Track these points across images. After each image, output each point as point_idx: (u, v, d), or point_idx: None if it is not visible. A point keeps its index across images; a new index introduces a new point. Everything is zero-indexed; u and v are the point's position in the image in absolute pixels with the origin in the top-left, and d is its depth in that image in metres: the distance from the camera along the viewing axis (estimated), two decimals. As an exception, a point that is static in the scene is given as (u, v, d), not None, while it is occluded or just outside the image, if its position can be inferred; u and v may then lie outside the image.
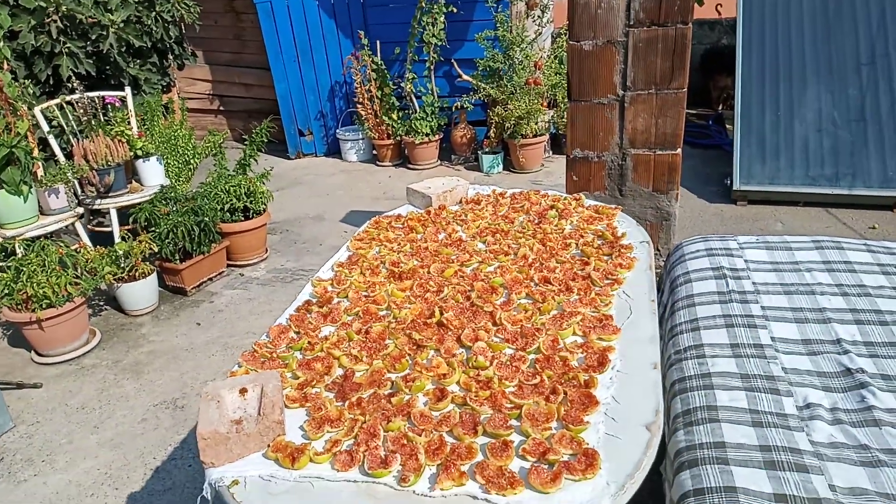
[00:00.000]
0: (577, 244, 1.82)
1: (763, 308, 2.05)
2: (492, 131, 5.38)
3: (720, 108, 6.42)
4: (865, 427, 1.49)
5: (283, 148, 6.25)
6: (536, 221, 1.99)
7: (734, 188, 4.25)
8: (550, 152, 5.69)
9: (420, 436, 1.13)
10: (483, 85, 5.35)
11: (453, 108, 5.59)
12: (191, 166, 4.30)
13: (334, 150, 6.26)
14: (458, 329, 1.45)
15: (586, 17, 2.83)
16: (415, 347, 1.41)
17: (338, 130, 6.12)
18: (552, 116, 5.50)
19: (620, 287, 1.59)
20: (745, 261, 2.35)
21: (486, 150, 5.41)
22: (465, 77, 5.64)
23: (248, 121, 6.58)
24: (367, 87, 5.66)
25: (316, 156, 6.28)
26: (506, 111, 5.20)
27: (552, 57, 5.64)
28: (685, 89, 2.81)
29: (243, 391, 1.20)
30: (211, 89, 6.63)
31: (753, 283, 2.20)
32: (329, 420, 1.19)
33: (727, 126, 5.79)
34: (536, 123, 5.21)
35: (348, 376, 1.32)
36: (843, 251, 2.32)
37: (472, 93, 5.47)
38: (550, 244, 1.81)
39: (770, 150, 4.29)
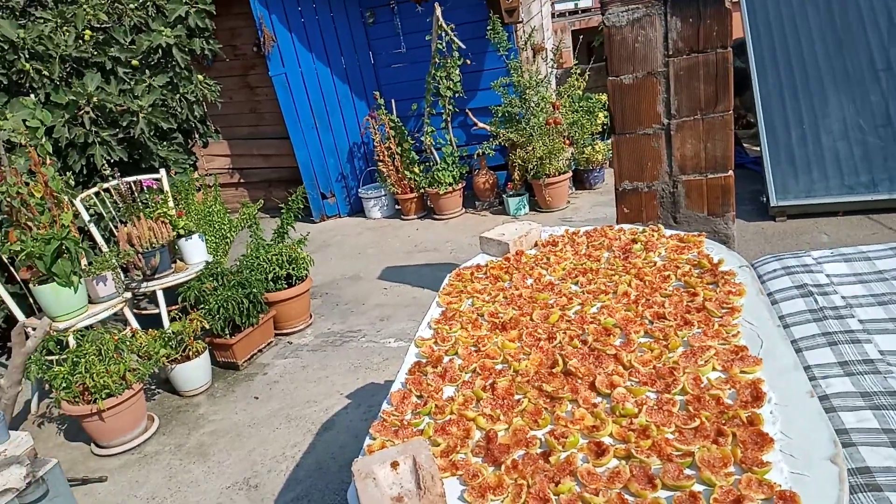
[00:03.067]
0: (675, 276, 1.77)
1: (861, 322, 1.99)
2: (515, 174, 5.41)
3: (735, 128, 6.47)
4: None
5: (306, 212, 6.28)
6: (623, 257, 1.95)
7: (771, 205, 4.23)
8: (573, 188, 5.71)
9: (597, 496, 1.06)
10: (502, 130, 5.41)
11: (474, 156, 5.64)
12: (227, 240, 4.30)
13: (357, 210, 6.29)
14: (588, 376, 1.39)
15: (624, 52, 2.87)
16: (549, 400, 1.35)
17: (360, 190, 6.17)
18: (572, 153, 5.54)
19: (739, 315, 1.54)
20: (827, 275, 2.30)
21: (511, 192, 5.43)
22: (481, 125, 5.71)
23: (269, 190, 6.65)
24: (386, 145, 5.73)
25: (340, 217, 6.31)
26: (527, 153, 5.24)
27: (565, 96, 5.72)
28: (731, 111, 2.82)
29: (395, 465, 1.14)
30: (230, 163, 6.72)
31: (843, 298, 2.14)
32: (490, 487, 1.12)
33: (745, 145, 5.82)
34: (559, 162, 5.24)
35: (491, 438, 1.26)
36: (927, 255, 2.27)
37: (490, 139, 5.53)
38: (649, 278, 1.76)
39: (801, 164, 4.29)
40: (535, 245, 2.25)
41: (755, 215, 4.38)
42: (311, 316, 4.04)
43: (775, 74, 4.56)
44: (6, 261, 3.51)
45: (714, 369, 1.36)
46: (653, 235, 2.06)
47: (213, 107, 5.29)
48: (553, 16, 8.96)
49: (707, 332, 1.47)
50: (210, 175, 6.26)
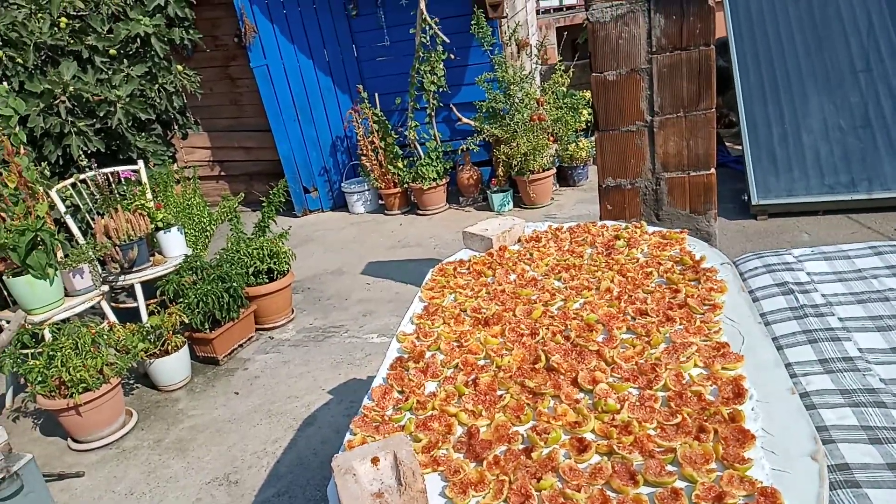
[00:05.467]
0: (657, 272, 1.77)
1: (841, 320, 2.01)
2: (499, 170, 5.40)
3: (717, 126, 6.52)
4: None
5: (288, 206, 6.22)
6: (606, 253, 1.95)
7: (753, 203, 4.27)
8: (557, 185, 5.72)
9: (579, 492, 1.05)
10: (486, 126, 5.40)
11: (458, 151, 5.62)
12: (207, 233, 4.24)
13: (340, 204, 6.24)
14: (570, 372, 1.39)
15: (608, 48, 2.87)
16: (532, 396, 1.34)
17: (343, 184, 6.12)
18: (556, 150, 5.55)
19: (721, 312, 1.55)
20: (808, 273, 2.32)
21: (495, 188, 5.43)
22: (465, 120, 5.70)
23: (250, 183, 6.57)
24: (369, 139, 5.69)
25: (322, 211, 6.26)
26: (511, 149, 5.24)
27: (549, 93, 5.71)
28: (714, 109, 2.84)
29: (375, 460, 1.12)
30: (211, 156, 6.63)
31: (823, 296, 2.16)
32: (471, 483, 1.11)
33: (726, 144, 5.87)
34: (543, 158, 5.24)
35: (473, 434, 1.25)
36: (906, 254, 2.30)
37: (475, 135, 5.52)
38: (631, 275, 1.76)
39: (782, 163, 4.33)
40: (519, 241, 2.24)
41: (737, 214, 4.42)
42: (292, 311, 4.00)
43: (757, 73, 4.60)
44: (-22, 252, 3.43)
45: (696, 366, 1.36)
46: (635, 232, 2.06)
47: (193, 98, 5.21)
48: (538, 12, 8.96)
49: (689, 329, 1.48)
50: (190, 167, 6.18)
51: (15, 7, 4.17)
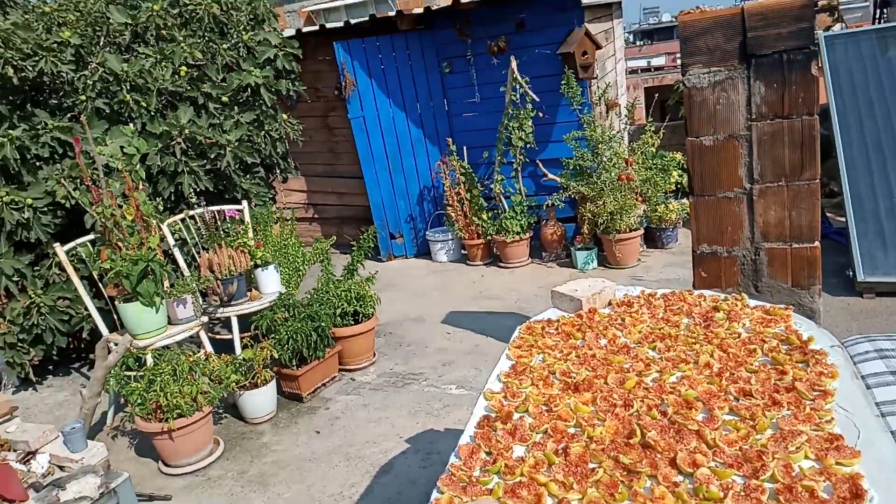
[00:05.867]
0: (761, 350, 1.70)
1: (965, 416, 1.85)
2: (584, 227, 5.37)
3: (816, 194, 6.23)
4: None
5: (374, 250, 6.40)
6: (704, 325, 1.89)
7: (858, 279, 4.02)
8: (644, 246, 5.61)
9: (681, 582, 1.01)
10: (572, 183, 5.41)
11: (543, 207, 5.65)
12: (300, 273, 4.44)
13: (424, 251, 6.38)
14: (668, 451, 1.35)
15: (705, 113, 2.84)
16: (626, 473, 1.31)
17: (427, 232, 6.27)
18: (644, 210, 5.47)
19: (833, 400, 1.46)
20: (926, 362, 2.16)
21: (580, 246, 5.39)
22: (551, 176, 5.74)
23: (341, 227, 6.84)
24: (455, 190, 5.83)
25: (406, 257, 6.41)
26: (597, 207, 5.21)
27: (638, 153, 5.68)
28: (818, 180, 2.74)
29: (468, 525, 1.13)
30: (306, 198, 6.98)
31: (944, 388, 1.99)
32: (565, 559, 1.09)
33: (828, 214, 5.59)
34: (630, 218, 5.18)
35: (566, 506, 1.23)
36: None
37: (560, 191, 5.54)
38: (732, 351, 1.70)
39: (891, 238, 4.08)
40: (609, 304, 2.22)
41: (840, 290, 4.17)
42: (374, 354, 4.09)
43: (861, 142, 4.40)
44: (96, 277, 3.73)
45: (807, 457, 1.29)
46: (736, 305, 2.00)
47: (294, 144, 5.54)
48: (626, 73, 9.00)
49: (798, 416, 1.40)
50: (287, 209, 6.52)
51: (143, 56, 4.64)
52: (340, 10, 6.61)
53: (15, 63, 4.09)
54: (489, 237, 5.80)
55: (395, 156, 6.21)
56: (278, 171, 5.35)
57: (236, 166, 4.68)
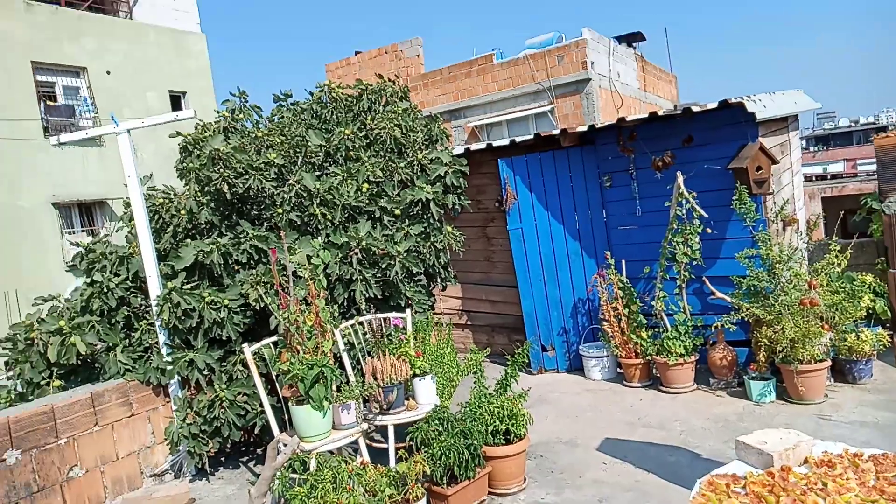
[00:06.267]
0: None
1: None
2: (760, 354, 4.90)
3: None
4: None
5: (524, 363, 6.32)
6: (935, 506, 1.59)
7: None
8: (832, 380, 4.97)
9: None
10: (745, 304, 5.02)
11: (711, 328, 5.27)
12: (454, 383, 4.48)
13: (576, 367, 6.18)
14: None
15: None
16: None
17: (581, 347, 6.09)
18: (832, 339, 4.89)
19: None
20: None
21: (754, 374, 4.91)
22: (720, 295, 5.39)
23: (492, 335, 6.89)
24: (612, 305, 5.66)
25: (557, 372, 6.24)
26: (775, 332, 4.76)
27: (821, 274, 5.17)
28: None
29: None
30: (461, 305, 7.17)
31: None
32: None
33: None
34: (815, 347, 4.65)
35: None
36: None
37: (731, 312, 5.15)
38: (981, 548, 1.41)
39: None
40: (805, 461, 1.96)
41: None
42: (524, 479, 3.92)
43: None
44: (274, 376, 4.05)
45: None
46: (977, 484, 1.67)
47: (455, 254, 5.78)
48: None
49: None
50: (444, 314, 6.74)
51: (333, 175, 5.20)
52: (502, 125, 7.01)
53: (230, 181, 4.80)
54: (648, 357, 5.49)
55: (550, 266, 6.23)
56: (439, 280, 5.58)
57: (403, 275, 4.97)
